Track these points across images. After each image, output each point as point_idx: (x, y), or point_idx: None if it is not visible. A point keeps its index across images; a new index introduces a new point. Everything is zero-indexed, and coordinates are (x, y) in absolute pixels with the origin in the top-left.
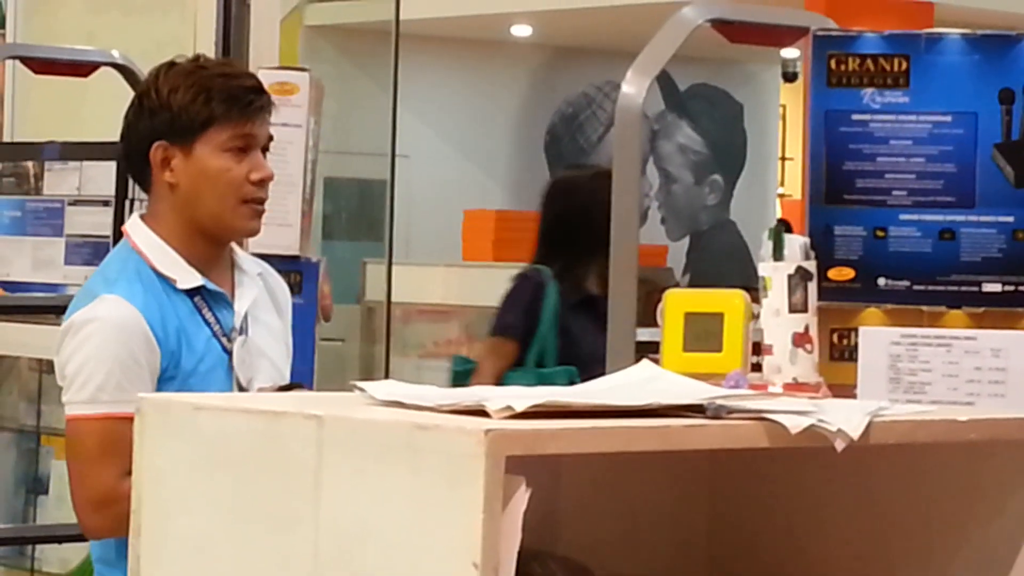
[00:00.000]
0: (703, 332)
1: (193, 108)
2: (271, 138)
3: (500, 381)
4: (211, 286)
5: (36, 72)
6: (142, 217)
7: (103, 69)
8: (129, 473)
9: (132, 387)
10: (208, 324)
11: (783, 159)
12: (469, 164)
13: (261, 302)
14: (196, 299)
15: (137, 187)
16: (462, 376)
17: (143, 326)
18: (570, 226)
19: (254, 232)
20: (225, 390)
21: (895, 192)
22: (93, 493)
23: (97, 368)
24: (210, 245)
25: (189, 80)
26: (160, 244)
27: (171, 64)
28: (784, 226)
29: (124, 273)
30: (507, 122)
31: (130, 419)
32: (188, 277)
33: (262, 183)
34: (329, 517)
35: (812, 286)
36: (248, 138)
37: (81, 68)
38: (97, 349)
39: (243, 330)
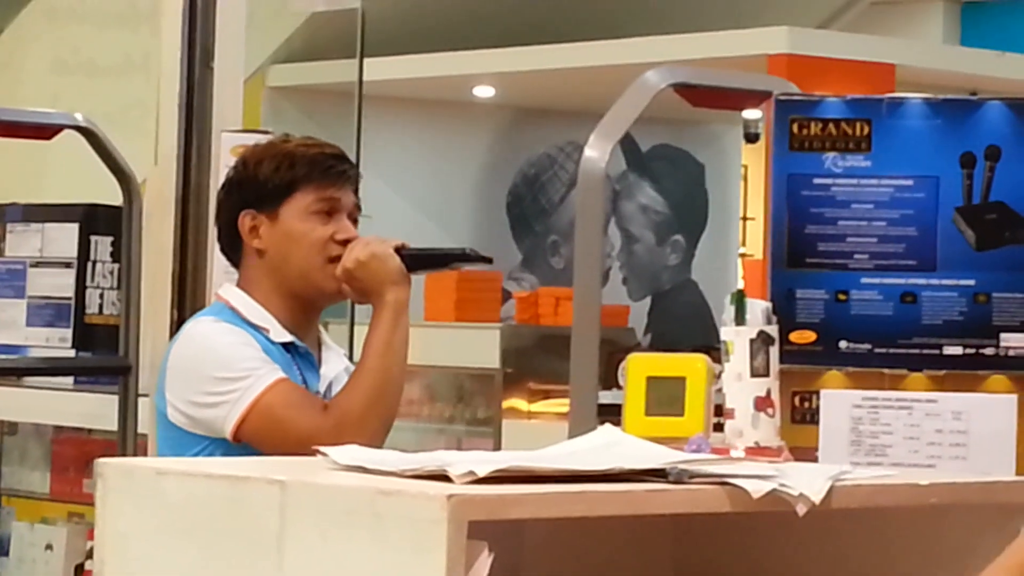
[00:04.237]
0: (665, 396)
1: (277, 175)
2: (359, 208)
3: None
4: (301, 345)
5: None
6: (236, 286)
7: (66, 132)
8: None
9: (261, 361)
10: (300, 379)
11: (745, 219)
12: (431, 224)
13: (342, 379)
14: (288, 355)
15: (99, 249)
16: None
17: (245, 334)
18: None
19: (340, 294)
20: None
21: (857, 255)
22: (315, 432)
23: (230, 357)
24: (301, 310)
25: (272, 151)
26: (253, 303)
27: (265, 143)
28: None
29: (216, 316)
30: (469, 182)
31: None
32: (280, 332)
33: (347, 243)
34: None
35: (774, 350)
36: (332, 202)
37: (44, 131)
38: (215, 345)
39: (327, 395)
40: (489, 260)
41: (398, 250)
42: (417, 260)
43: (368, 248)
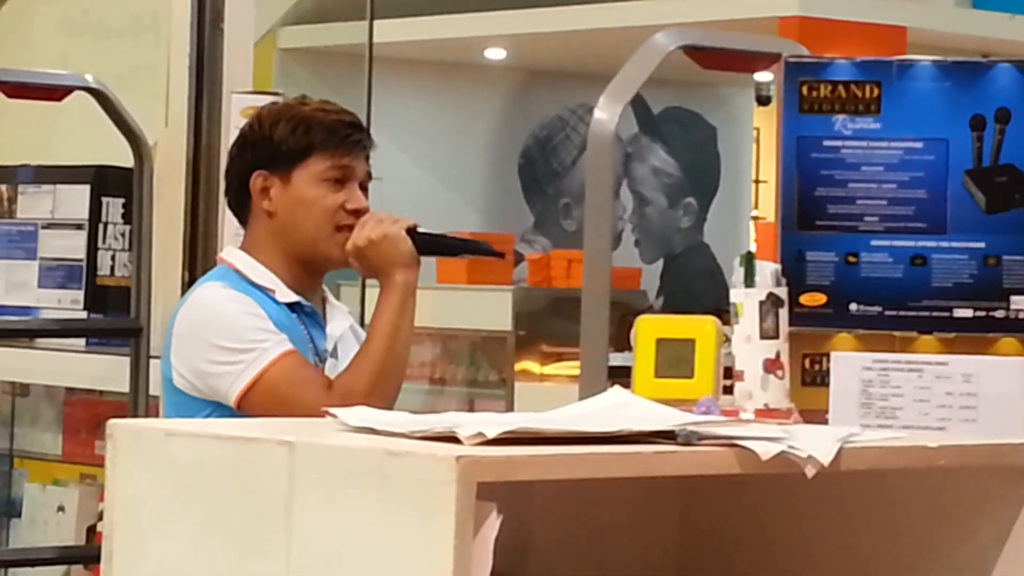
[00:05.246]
0: (674, 358)
1: (293, 138)
2: (370, 176)
3: None
4: (307, 304)
5: (9, 96)
6: (239, 247)
7: (76, 93)
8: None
9: (268, 333)
10: (306, 339)
11: (757, 181)
12: (443, 187)
13: (348, 338)
14: (294, 314)
15: (111, 211)
16: None
17: (252, 302)
18: None
19: (346, 262)
20: None
21: (867, 218)
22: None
23: (235, 326)
24: (306, 273)
25: (290, 113)
26: (257, 265)
27: (275, 102)
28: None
29: (221, 280)
30: (481, 145)
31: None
32: (286, 292)
33: (357, 213)
34: (300, 543)
35: (783, 312)
36: (345, 170)
37: (54, 92)
38: (221, 312)
39: (334, 354)
40: (501, 255)
41: (410, 231)
42: (429, 245)
43: (380, 227)
